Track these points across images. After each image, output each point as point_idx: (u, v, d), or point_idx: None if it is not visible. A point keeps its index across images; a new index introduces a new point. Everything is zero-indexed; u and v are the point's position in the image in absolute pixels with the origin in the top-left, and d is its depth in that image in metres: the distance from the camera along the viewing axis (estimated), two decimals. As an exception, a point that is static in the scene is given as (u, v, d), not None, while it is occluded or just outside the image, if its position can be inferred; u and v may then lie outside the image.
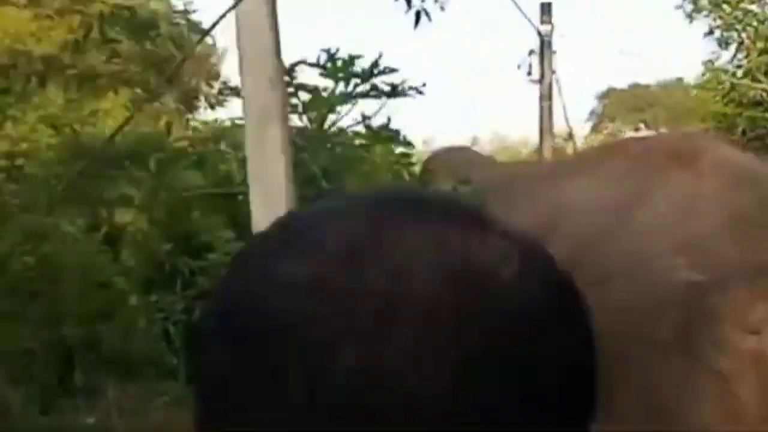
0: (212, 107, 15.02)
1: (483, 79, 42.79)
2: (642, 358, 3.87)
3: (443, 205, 0.60)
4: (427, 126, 50.97)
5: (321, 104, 4.87)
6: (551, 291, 0.58)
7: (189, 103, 12.92)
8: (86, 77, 15.42)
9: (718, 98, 15.20)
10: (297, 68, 4.90)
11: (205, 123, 9.39)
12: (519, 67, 13.92)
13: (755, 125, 14.75)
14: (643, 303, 3.90)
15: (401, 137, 4.82)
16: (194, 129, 8.40)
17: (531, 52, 14.03)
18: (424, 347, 0.53)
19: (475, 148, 23.52)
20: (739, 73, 14.98)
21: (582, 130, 30.80)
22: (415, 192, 0.77)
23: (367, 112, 4.99)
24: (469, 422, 0.54)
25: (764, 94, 14.59)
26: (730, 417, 3.86)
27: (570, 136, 16.73)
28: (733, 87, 14.88)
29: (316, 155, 4.72)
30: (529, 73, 13.91)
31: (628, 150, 4.49)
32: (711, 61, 15.07)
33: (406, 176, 4.78)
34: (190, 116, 11.80)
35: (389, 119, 4.85)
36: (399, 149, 4.91)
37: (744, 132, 14.87)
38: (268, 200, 4.46)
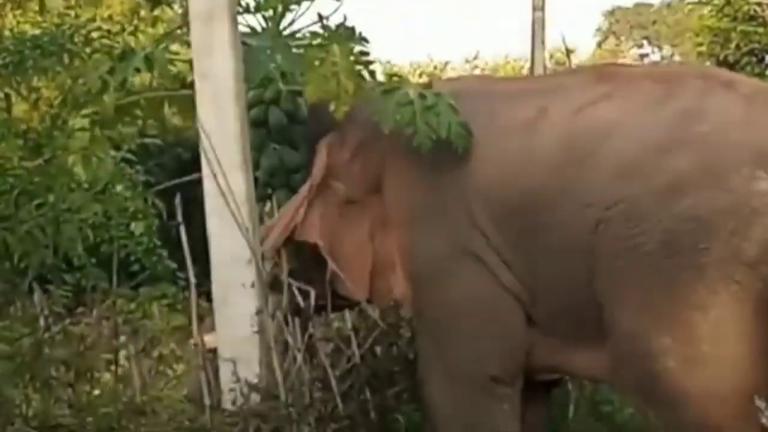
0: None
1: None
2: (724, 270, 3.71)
3: None
4: (428, 42, 50.26)
5: (275, 3, 4.82)
6: None
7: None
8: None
9: (713, 13, 15.17)
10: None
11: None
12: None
13: (749, 40, 14.75)
14: (726, 215, 3.74)
15: (357, 34, 4.58)
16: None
17: (523, -37, 13.98)
18: None
19: (476, 62, 23.44)
20: (735, -13, 14.94)
21: (588, 47, 30.75)
22: None
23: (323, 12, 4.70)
24: None
25: (758, 9, 14.57)
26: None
27: (567, 51, 16.66)
28: (727, 1, 14.85)
29: (273, 56, 4.62)
30: (520, -16, 13.87)
31: (649, 76, 4.24)
32: (706, -25, 15.04)
33: (367, 76, 4.58)
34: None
35: (345, 17, 4.63)
36: (357, 48, 4.58)
37: (738, 46, 14.88)
38: (215, 99, 4.49)
